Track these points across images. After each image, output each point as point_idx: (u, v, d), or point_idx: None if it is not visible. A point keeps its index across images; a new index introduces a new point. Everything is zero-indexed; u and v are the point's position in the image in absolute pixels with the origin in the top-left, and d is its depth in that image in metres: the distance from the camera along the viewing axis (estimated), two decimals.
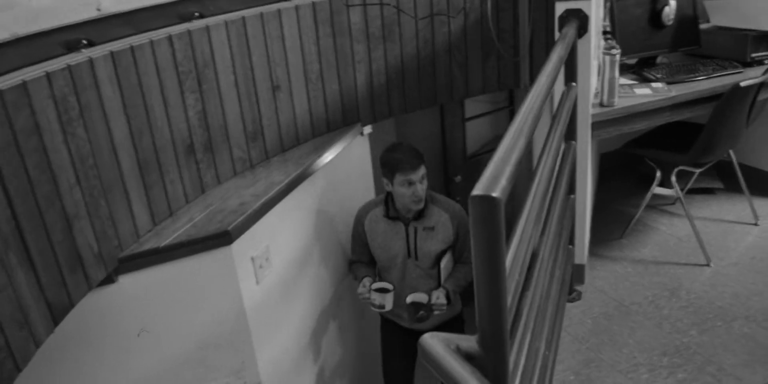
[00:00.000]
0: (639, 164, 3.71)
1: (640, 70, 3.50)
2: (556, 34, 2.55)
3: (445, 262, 2.63)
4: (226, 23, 2.41)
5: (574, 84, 2.28)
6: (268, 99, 2.65)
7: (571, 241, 2.58)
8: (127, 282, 2.11)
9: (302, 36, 2.71)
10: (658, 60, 3.67)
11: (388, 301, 2.61)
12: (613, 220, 3.47)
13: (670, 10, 3.48)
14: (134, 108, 2.09)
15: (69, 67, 1.82)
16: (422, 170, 2.52)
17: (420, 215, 2.62)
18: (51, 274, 1.78)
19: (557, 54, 1.92)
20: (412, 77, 3.15)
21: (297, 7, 2.65)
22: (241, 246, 2.27)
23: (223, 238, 2.19)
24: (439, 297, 2.56)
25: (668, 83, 3.24)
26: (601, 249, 3.17)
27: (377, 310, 2.65)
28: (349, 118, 3.01)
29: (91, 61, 1.90)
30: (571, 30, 2.29)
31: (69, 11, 2.01)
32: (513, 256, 1.29)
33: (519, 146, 1.22)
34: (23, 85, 1.67)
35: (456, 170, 4.44)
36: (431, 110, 4.12)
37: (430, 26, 3.10)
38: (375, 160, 3.25)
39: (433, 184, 4.78)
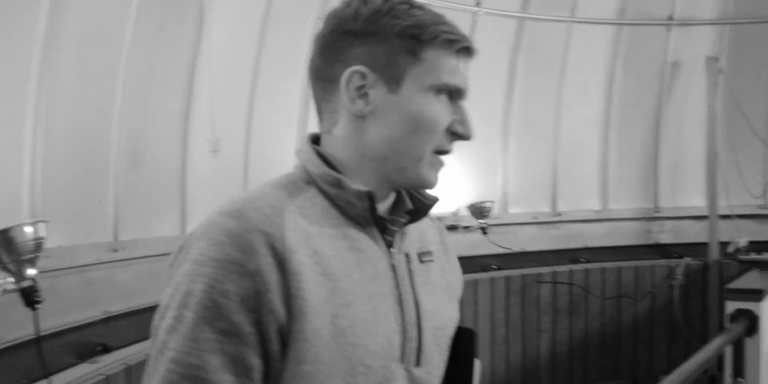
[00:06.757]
0: None
1: None
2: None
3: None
4: None
5: (741, 380, 2.37)
6: None
7: None
8: None
9: (494, 303, 3.13)
10: None
11: None
12: None
13: None
14: None
15: None
16: None
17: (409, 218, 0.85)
18: None
19: (703, 354, 2.10)
20: (594, 350, 3.36)
21: (492, 279, 3.13)
22: None
23: None
24: None
25: None
26: None
27: None
28: (528, 382, 3.25)
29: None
30: (738, 328, 2.44)
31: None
32: None
33: None
34: None
35: None
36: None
37: (616, 306, 3.37)
38: None
39: None
